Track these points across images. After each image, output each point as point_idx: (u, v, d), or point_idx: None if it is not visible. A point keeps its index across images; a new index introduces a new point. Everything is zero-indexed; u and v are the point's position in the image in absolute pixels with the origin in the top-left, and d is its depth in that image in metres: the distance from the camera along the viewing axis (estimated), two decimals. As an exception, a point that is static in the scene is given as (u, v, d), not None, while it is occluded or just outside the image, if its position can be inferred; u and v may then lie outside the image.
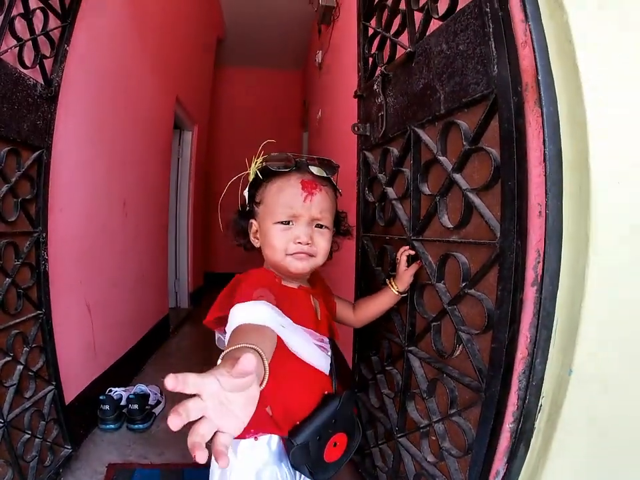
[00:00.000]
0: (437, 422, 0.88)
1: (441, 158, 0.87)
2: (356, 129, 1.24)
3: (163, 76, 2.48)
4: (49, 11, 1.13)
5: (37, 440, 1.14)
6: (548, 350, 0.65)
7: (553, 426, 0.65)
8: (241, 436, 0.79)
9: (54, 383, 1.22)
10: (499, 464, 0.73)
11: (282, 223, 0.81)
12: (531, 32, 0.64)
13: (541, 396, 0.67)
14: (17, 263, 1.09)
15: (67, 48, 1.21)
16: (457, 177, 0.82)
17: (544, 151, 0.62)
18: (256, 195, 0.87)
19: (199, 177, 3.74)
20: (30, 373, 1.13)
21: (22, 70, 1.06)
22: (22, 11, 1.04)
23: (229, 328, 0.70)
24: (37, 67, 1.12)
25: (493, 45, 0.69)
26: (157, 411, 1.66)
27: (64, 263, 1.38)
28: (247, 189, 0.88)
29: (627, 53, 0.61)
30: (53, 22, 1.17)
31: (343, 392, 0.87)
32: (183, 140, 3.46)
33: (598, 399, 0.64)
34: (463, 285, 0.80)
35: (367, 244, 1.24)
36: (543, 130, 0.62)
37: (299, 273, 0.82)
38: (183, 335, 2.91)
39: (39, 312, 1.18)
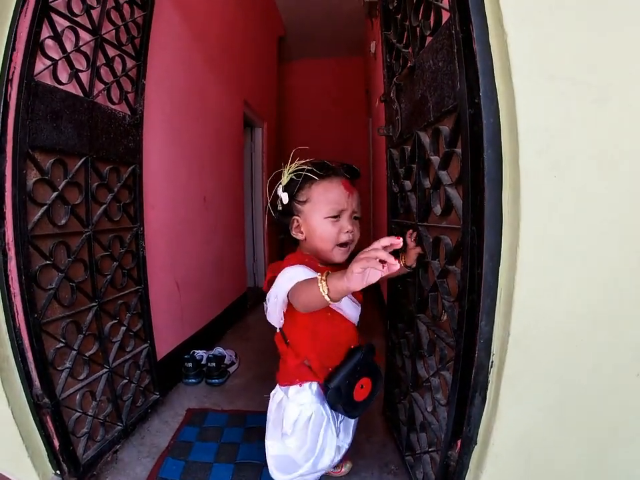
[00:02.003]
0: (432, 376, 1.12)
1: (432, 157, 1.08)
2: (379, 130, 1.48)
3: (230, 84, 2.92)
4: (125, 56, 1.52)
5: (132, 385, 1.59)
6: (493, 315, 0.85)
7: (500, 380, 0.83)
8: (289, 383, 1.11)
9: (148, 342, 1.68)
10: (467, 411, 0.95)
11: (332, 217, 1.03)
12: (475, 52, 0.80)
13: (492, 353, 0.86)
14: (122, 250, 1.54)
15: (144, 81, 1.62)
16: (442, 173, 1.04)
17: (483, 155, 0.82)
18: (298, 195, 1.07)
19: (271, 167, 4.20)
20: (130, 333, 1.59)
21: (112, 107, 1.47)
22: (104, 60, 1.43)
23: (282, 284, 0.97)
24: (123, 101, 1.53)
25: (457, 64, 0.86)
26: (231, 370, 2.10)
27: (157, 249, 1.85)
28: (281, 190, 1.09)
29: (557, 64, 0.75)
30: (130, 63, 1.57)
31: (364, 345, 1.12)
32: (255, 136, 3.91)
33: (533, 358, 0.82)
34: (445, 261, 1.02)
35: (394, 228, 1.48)
36: (483, 138, 0.82)
37: (341, 262, 1.05)
38: (259, 310, 3.35)
39: (138, 287, 1.64)
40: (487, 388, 0.88)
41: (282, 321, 1.04)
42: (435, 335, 1.10)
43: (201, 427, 1.61)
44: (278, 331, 1.13)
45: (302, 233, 1.09)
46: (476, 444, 0.92)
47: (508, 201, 0.81)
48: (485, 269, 0.83)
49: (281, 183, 1.10)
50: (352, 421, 1.23)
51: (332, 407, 1.08)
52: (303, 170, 1.06)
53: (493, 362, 0.86)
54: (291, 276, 0.98)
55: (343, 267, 1.07)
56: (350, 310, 1.11)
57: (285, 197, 1.08)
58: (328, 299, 0.87)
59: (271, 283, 1.04)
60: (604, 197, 0.77)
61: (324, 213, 1.03)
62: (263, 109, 3.84)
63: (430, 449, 1.16)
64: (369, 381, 1.12)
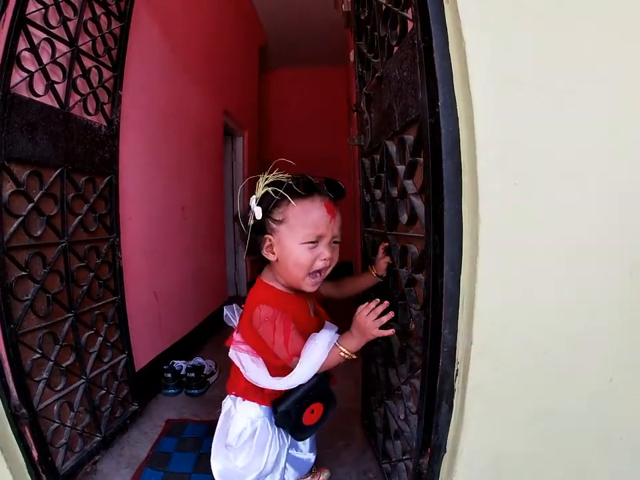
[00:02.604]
0: (403, 384, 1.12)
1: (399, 167, 1.09)
2: (351, 140, 1.49)
3: (210, 94, 2.92)
4: (101, 67, 1.52)
5: (110, 396, 1.58)
6: (456, 323, 0.85)
7: (464, 388, 0.83)
8: (237, 394, 1.08)
9: (126, 352, 1.67)
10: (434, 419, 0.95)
11: (310, 242, 0.94)
12: (435, 61, 0.80)
13: (456, 361, 0.86)
14: (98, 261, 1.54)
15: (121, 92, 1.62)
16: (407, 182, 1.04)
17: (442, 164, 0.82)
18: (274, 212, 0.96)
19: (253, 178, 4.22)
20: (107, 344, 1.58)
21: (88, 117, 1.47)
22: (80, 72, 1.43)
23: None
24: (100, 112, 1.53)
25: (419, 74, 0.86)
26: (211, 380, 2.09)
27: (134, 259, 1.84)
28: (256, 203, 0.97)
29: (515, 71, 0.75)
30: (107, 74, 1.56)
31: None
32: (235, 146, 3.92)
33: (496, 366, 0.82)
34: (412, 270, 1.03)
35: (366, 237, 1.48)
36: (441, 147, 0.82)
37: (310, 292, 1.01)
38: None
39: (115, 297, 1.63)
40: (453, 396, 0.88)
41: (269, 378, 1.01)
42: (404, 343, 1.10)
43: (180, 438, 1.60)
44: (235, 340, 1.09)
45: (274, 254, 0.98)
46: (445, 452, 0.92)
47: (467, 210, 0.82)
48: (446, 278, 0.84)
49: (255, 195, 0.99)
50: None
51: (279, 427, 1.06)
52: (281, 184, 0.95)
53: (457, 370, 0.87)
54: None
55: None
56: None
57: (258, 212, 0.96)
58: (354, 357, 0.99)
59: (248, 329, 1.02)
60: (565, 205, 0.78)
61: (300, 238, 0.94)
62: (243, 118, 3.85)
63: (404, 457, 1.16)
64: (321, 406, 1.06)
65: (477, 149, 0.77)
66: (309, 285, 0.98)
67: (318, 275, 0.98)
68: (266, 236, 0.98)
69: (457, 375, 0.87)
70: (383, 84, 1.17)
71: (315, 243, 0.95)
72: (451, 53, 0.81)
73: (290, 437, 1.10)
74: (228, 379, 1.14)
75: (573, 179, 0.77)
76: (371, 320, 0.95)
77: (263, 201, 0.97)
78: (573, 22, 0.75)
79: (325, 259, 0.96)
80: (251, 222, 0.98)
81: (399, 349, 1.15)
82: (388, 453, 1.30)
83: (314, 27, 3.92)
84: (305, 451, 1.21)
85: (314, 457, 1.23)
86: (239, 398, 1.08)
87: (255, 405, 1.07)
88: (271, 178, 0.97)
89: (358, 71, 1.49)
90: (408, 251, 1.04)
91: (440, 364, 0.88)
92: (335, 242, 0.99)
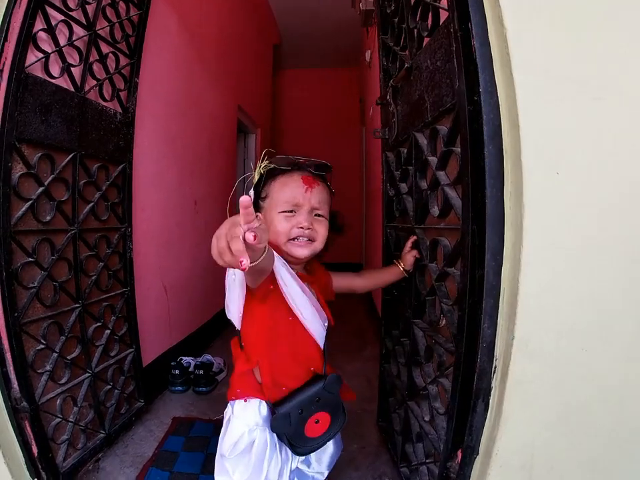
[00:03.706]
0: (430, 384, 1.07)
1: (430, 158, 1.06)
2: (375, 133, 1.45)
3: (225, 89, 2.88)
4: (118, 53, 1.49)
5: (116, 391, 1.52)
6: (496, 317, 0.81)
7: (503, 386, 0.79)
8: (235, 397, 0.96)
9: (134, 347, 1.61)
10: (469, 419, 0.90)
11: (287, 212, 0.95)
12: (474, 48, 0.79)
13: (495, 358, 0.82)
14: (108, 251, 1.48)
15: (137, 80, 1.58)
16: (440, 173, 1.01)
17: (484, 151, 0.79)
18: (262, 192, 1.00)
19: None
20: (115, 337, 1.52)
21: (103, 103, 1.43)
22: (97, 56, 1.39)
23: None
24: (115, 99, 1.49)
25: (455, 62, 0.85)
26: (219, 378, 2.02)
27: (146, 251, 1.79)
28: (252, 189, 1.02)
29: (558, 60, 0.74)
30: (124, 60, 1.53)
31: (329, 374, 0.98)
32: (248, 142, 3.88)
33: (539, 362, 0.77)
34: (444, 264, 0.98)
35: (389, 232, 1.44)
36: (484, 133, 0.79)
37: (300, 258, 0.95)
38: None
39: (124, 289, 1.57)
40: (489, 394, 0.83)
41: (241, 315, 0.94)
42: (432, 340, 1.05)
43: (187, 437, 1.53)
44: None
45: None
46: (478, 454, 0.87)
47: (510, 198, 0.78)
48: (487, 269, 0.80)
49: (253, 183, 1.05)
50: (329, 450, 1.09)
51: (276, 434, 0.93)
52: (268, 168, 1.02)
53: (495, 367, 0.82)
54: None
55: (307, 268, 1.04)
56: (313, 322, 0.97)
57: (250, 193, 1.02)
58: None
59: None
60: (605, 195, 0.74)
61: (279, 208, 0.96)
62: (257, 115, 3.81)
63: (427, 460, 1.10)
64: (328, 417, 0.96)
65: (521, 136, 0.74)
66: (293, 249, 0.95)
67: (300, 239, 0.96)
68: (256, 214, 0.99)
69: (494, 371, 0.83)
70: (413, 75, 1.14)
71: (292, 212, 0.96)
72: (490, 40, 0.79)
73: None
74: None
75: (613, 170, 0.74)
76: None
77: (256, 186, 1.02)
78: (613, 15, 0.73)
79: (301, 227, 0.95)
80: None
81: (425, 347, 1.10)
82: (408, 457, 1.24)
83: (327, 27, 3.91)
84: (320, 468, 1.10)
85: (325, 475, 1.12)
86: (238, 402, 0.97)
87: (254, 411, 0.95)
88: (262, 165, 1.01)
89: (383, 64, 1.45)
90: (439, 244, 1.00)
91: (477, 360, 0.83)
92: (317, 215, 0.98)
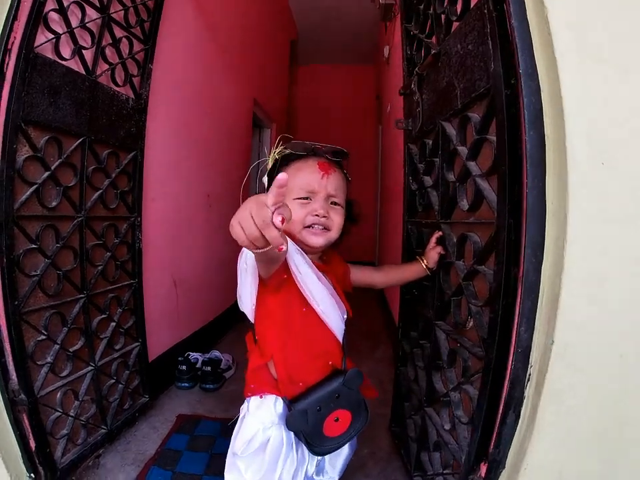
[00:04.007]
0: (452, 390, 0.99)
1: (459, 148, 0.98)
2: (398, 124, 1.38)
3: (241, 82, 2.81)
4: (132, 38, 1.43)
5: (120, 386, 1.45)
6: (534, 320, 0.73)
7: (538, 395, 0.71)
8: (250, 393, 0.91)
9: (140, 341, 1.55)
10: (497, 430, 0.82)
11: (301, 198, 0.89)
12: (513, 29, 0.72)
13: (529, 365, 0.74)
14: (116, 241, 1.42)
15: (151, 66, 1.52)
16: (471, 164, 0.93)
17: (524, 137, 0.71)
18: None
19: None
20: (121, 330, 1.46)
21: (115, 88, 1.37)
22: (110, 40, 1.34)
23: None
24: (128, 84, 1.43)
25: (490, 44, 0.78)
26: (227, 375, 1.95)
27: (156, 243, 1.73)
28: (265, 175, 0.98)
29: (604, 43, 0.67)
30: (137, 46, 1.47)
31: (349, 369, 0.91)
32: (263, 137, 3.80)
33: (579, 371, 0.69)
34: (473, 261, 0.90)
35: (410, 228, 1.36)
36: (524, 118, 0.71)
37: (315, 247, 0.89)
38: None
39: (132, 281, 1.52)
40: (521, 405, 0.75)
41: (254, 307, 0.89)
42: (457, 344, 0.97)
43: (192, 435, 1.47)
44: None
45: None
46: (504, 468, 0.79)
47: (552, 189, 0.70)
48: (527, 266, 0.72)
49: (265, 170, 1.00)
50: (344, 452, 1.03)
51: (292, 431, 0.87)
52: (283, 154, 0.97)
53: (530, 375, 0.74)
54: None
55: (323, 258, 0.98)
56: (330, 314, 0.91)
57: (265, 182, 0.98)
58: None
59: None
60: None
61: (293, 194, 0.89)
62: (272, 110, 3.73)
63: (445, 471, 1.02)
64: (349, 415, 0.90)
65: (566, 121, 0.67)
66: (308, 237, 0.89)
67: (315, 227, 0.90)
68: None
69: (528, 379, 0.75)
70: (441, 61, 1.07)
71: (307, 199, 0.90)
72: (529, 19, 0.73)
73: (310, 453, 0.92)
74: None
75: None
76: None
77: (270, 173, 0.97)
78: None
79: (316, 214, 0.89)
80: None
81: (449, 351, 1.02)
82: (423, 465, 1.16)
83: (345, 23, 3.84)
84: (332, 473, 1.03)
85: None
86: (254, 398, 0.92)
87: (269, 409, 0.89)
88: (278, 150, 0.97)
89: (406, 53, 1.38)
90: (468, 239, 0.92)
91: (511, 367, 0.75)
92: (333, 202, 0.92)
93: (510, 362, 0.76)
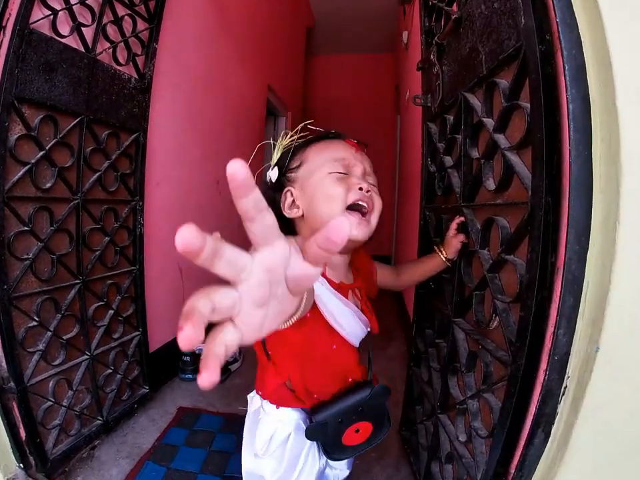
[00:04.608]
0: (470, 398, 0.84)
1: (485, 119, 0.82)
2: (416, 100, 1.22)
3: (254, 66, 2.66)
4: (136, 16, 1.32)
5: (117, 376, 1.36)
6: (575, 320, 0.58)
7: (575, 412, 0.57)
8: (268, 400, 0.82)
9: (140, 330, 1.45)
10: (520, 451, 0.67)
11: (338, 172, 0.72)
12: None
13: (566, 375, 0.59)
14: (115, 225, 1.32)
15: (156, 46, 1.41)
16: (499, 137, 0.77)
17: (566, 96, 0.56)
18: (290, 163, 0.77)
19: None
20: (119, 318, 1.36)
21: (117, 67, 1.27)
22: (112, 18, 1.24)
23: None
24: (131, 63, 1.33)
25: None
26: (233, 368, 1.84)
27: (160, 229, 1.62)
28: (274, 167, 0.79)
29: None
30: (142, 25, 1.36)
31: (376, 384, 0.82)
32: (278, 126, 3.64)
33: (628, 383, 0.55)
34: (501, 249, 0.75)
35: (428, 215, 1.21)
36: (565, 74, 0.56)
37: (355, 240, 0.71)
38: None
39: (132, 268, 1.42)
40: (553, 422, 0.61)
41: None
42: (478, 345, 0.82)
43: (191, 430, 1.36)
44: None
45: (298, 207, 0.75)
46: (527, 493, 0.64)
47: (601, 159, 0.55)
48: (569, 255, 0.57)
49: (269, 164, 0.80)
50: None
51: (310, 440, 0.79)
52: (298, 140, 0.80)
53: (566, 387, 0.59)
54: None
55: (355, 257, 0.82)
56: (356, 331, 0.79)
57: (274, 174, 0.78)
58: None
59: None
60: None
61: (327, 168, 0.72)
62: (288, 98, 3.57)
63: (459, 487, 0.88)
64: (370, 426, 0.82)
65: (615, 77, 0.52)
66: (354, 226, 0.70)
67: (360, 213, 0.71)
68: (286, 190, 0.76)
69: (563, 393, 0.60)
70: (463, 27, 0.92)
71: (345, 174, 0.72)
72: None
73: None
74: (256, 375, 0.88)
75: None
76: None
77: (279, 162, 0.79)
78: None
79: (361, 189, 0.71)
80: (265, 190, 0.78)
81: (468, 353, 0.87)
82: (433, 476, 1.02)
83: (363, 12, 3.64)
84: (342, 467, 0.92)
85: (347, 473, 0.94)
86: (266, 401, 0.83)
87: (287, 409, 0.81)
88: (286, 139, 0.79)
89: (424, 25, 1.22)
90: (495, 224, 0.77)
91: (544, 377, 0.60)
92: (370, 184, 0.74)
93: (543, 371, 0.61)
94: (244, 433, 0.88)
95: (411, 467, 1.20)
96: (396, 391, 1.47)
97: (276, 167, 0.78)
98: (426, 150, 1.21)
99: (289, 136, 0.79)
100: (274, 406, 0.82)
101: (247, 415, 0.88)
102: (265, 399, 0.83)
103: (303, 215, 0.74)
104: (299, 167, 0.76)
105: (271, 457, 0.80)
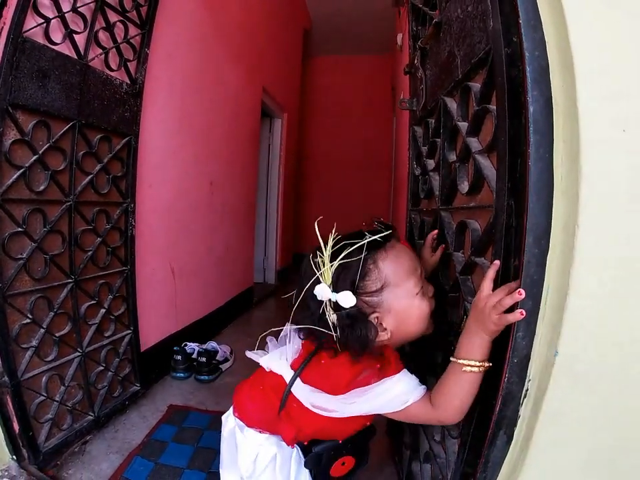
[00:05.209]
0: (443, 399, 0.83)
1: (460, 123, 0.81)
2: (402, 104, 1.21)
3: (248, 68, 2.64)
4: (128, 23, 1.33)
5: (109, 373, 1.37)
6: (535, 324, 0.57)
7: (535, 416, 0.56)
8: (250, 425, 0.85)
9: (131, 328, 1.46)
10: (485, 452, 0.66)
11: (421, 289, 0.72)
12: None
13: (527, 379, 0.58)
14: (107, 226, 1.33)
15: (148, 51, 1.42)
16: (471, 140, 0.76)
17: (527, 98, 0.55)
18: (366, 285, 0.69)
19: (290, 161, 3.89)
20: (111, 317, 1.37)
21: (109, 73, 1.28)
22: (104, 24, 1.24)
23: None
24: (122, 69, 1.33)
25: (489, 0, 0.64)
26: (224, 367, 1.84)
27: (151, 230, 1.63)
28: (328, 290, 0.67)
29: None
30: (134, 31, 1.36)
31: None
32: (274, 127, 3.63)
33: (587, 389, 0.54)
34: (471, 252, 0.74)
35: (413, 218, 1.20)
36: (526, 75, 0.55)
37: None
38: (265, 307, 3.08)
39: (124, 268, 1.42)
40: (515, 425, 0.60)
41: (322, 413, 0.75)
42: (452, 347, 0.81)
43: (180, 427, 1.36)
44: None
45: (385, 329, 0.72)
46: (492, 495, 0.63)
47: (562, 161, 0.54)
48: (527, 258, 0.55)
49: (322, 283, 0.68)
50: None
51: (306, 467, 0.86)
52: (351, 245, 0.68)
53: (527, 391, 0.58)
54: (402, 391, 0.72)
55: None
56: None
57: (348, 299, 0.66)
58: (489, 365, 0.64)
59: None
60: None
61: (412, 290, 0.70)
62: (283, 99, 3.54)
63: (433, 487, 0.87)
64: (353, 460, 0.87)
65: (577, 78, 0.50)
66: (431, 326, 0.78)
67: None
68: (372, 316, 0.70)
69: (525, 396, 0.59)
70: (442, 31, 0.92)
71: (422, 285, 0.74)
72: None
73: None
74: (239, 392, 0.90)
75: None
76: (493, 302, 0.59)
77: (340, 281, 0.68)
78: None
79: (432, 295, 0.76)
80: (339, 319, 0.68)
81: (443, 355, 0.86)
82: (413, 476, 1.01)
83: (360, 13, 3.60)
84: None
85: None
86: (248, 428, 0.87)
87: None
88: (329, 250, 0.68)
89: (412, 30, 1.21)
90: (467, 227, 0.76)
91: (504, 380, 0.59)
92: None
93: (504, 374, 0.60)
94: (222, 456, 0.92)
95: (395, 466, 1.19)
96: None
97: (348, 292, 0.67)
98: (412, 153, 1.21)
99: (327, 248, 0.69)
100: (257, 431, 0.85)
101: (221, 437, 0.93)
102: (251, 427, 0.85)
103: (391, 335, 0.73)
104: (381, 289, 0.70)
105: (261, 477, 0.83)
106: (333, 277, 0.67)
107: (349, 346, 0.69)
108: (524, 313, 0.56)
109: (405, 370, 0.75)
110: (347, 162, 4.75)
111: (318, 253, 0.69)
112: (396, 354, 0.77)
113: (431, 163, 1.04)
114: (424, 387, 0.74)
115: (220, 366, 1.80)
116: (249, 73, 2.68)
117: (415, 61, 1.09)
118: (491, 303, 0.59)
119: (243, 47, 2.54)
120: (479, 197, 0.76)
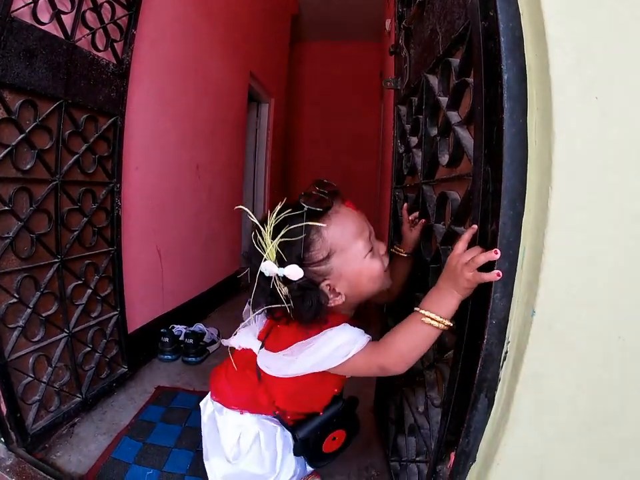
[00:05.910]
0: (426, 369, 0.85)
1: (441, 98, 0.83)
2: (387, 83, 1.22)
3: (235, 53, 2.61)
4: (115, 3, 1.31)
5: (96, 354, 1.37)
6: (512, 285, 0.58)
7: (515, 378, 0.57)
8: (235, 407, 0.87)
9: (118, 309, 1.46)
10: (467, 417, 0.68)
11: (370, 250, 0.73)
12: None
13: (506, 340, 0.59)
14: (93, 206, 1.32)
15: (134, 32, 1.40)
16: (452, 114, 0.77)
17: (501, 67, 0.56)
18: (311, 255, 0.69)
19: (276, 146, 3.88)
20: (97, 298, 1.36)
21: (95, 53, 1.26)
22: (91, 5, 1.23)
23: (328, 355, 0.71)
24: (109, 49, 1.32)
25: None
26: (211, 349, 1.84)
27: (138, 211, 1.62)
28: (274, 265, 0.67)
29: None
30: (121, 11, 1.35)
31: (347, 397, 0.90)
32: (261, 112, 3.60)
33: (565, 349, 0.55)
34: (450, 221, 0.75)
35: (397, 195, 1.21)
36: (500, 46, 0.56)
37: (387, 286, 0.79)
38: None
39: (110, 248, 1.42)
40: (495, 388, 0.61)
41: (284, 376, 0.77)
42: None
43: (168, 407, 1.37)
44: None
45: (340, 294, 0.73)
46: (474, 461, 0.65)
47: (535, 126, 0.55)
48: (503, 220, 0.57)
49: (266, 260, 0.68)
50: None
51: (297, 455, 0.88)
52: (294, 219, 0.68)
53: (507, 353, 0.60)
54: (344, 342, 0.72)
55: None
56: None
57: (295, 272, 0.67)
58: (449, 324, 0.66)
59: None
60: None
61: (360, 253, 0.71)
62: (270, 84, 3.51)
63: (418, 459, 0.89)
64: (343, 433, 0.89)
65: (549, 46, 0.51)
66: (387, 281, 0.78)
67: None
68: (323, 284, 0.71)
69: (504, 358, 0.60)
70: (425, 10, 0.92)
71: (372, 246, 0.75)
72: None
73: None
74: (212, 376, 0.94)
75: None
76: (465, 259, 0.60)
77: (285, 256, 0.68)
78: None
79: (384, 253, 0.77)
80: (290, 291, 0.69)
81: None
82: (399, 450, 1.03)
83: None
84: None
85: None
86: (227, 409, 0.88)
87: (247, 416, 0.88)
88: (273, 222, 0.68)
89: (397, 11, 1.22)
90: (447, 198, 0.77)
91: (483, 342, 0.60)
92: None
93: (484, 336, 0.61)
94: (204, 442, 0.92)
95: (381, 442, 1.21)
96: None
97: (294, 265, 0.67)
98: (396, 132, 1.22)
99: (268, 227, 0.68)
100: (237, 412, 0.86)
101: (202, 423, 0.93)
102: (228, 408, 0.87)
103: (345, 298, 0.74)
104: (328, 258, 0.70)
105: (247, 456, 0.84)
106: (277, 253, 0.67)
107: (303, 315, 0.70)
108: (500, 273, 0.57)
109: (347, 324, 0.75)
110: (335, 147, 4.73)
111: (257, 232, 0.69)
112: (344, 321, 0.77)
113: (414, 140, 1.05)
114: (368, 336, 0.74)
115: (207, 348, 1.81)
116: (236, 57, 2.65)
117: (400, 41, 1.10)
118: (463, 259, 0.61)
119: (229, 31, 2.51)
120: (458, 168, 0.77)
